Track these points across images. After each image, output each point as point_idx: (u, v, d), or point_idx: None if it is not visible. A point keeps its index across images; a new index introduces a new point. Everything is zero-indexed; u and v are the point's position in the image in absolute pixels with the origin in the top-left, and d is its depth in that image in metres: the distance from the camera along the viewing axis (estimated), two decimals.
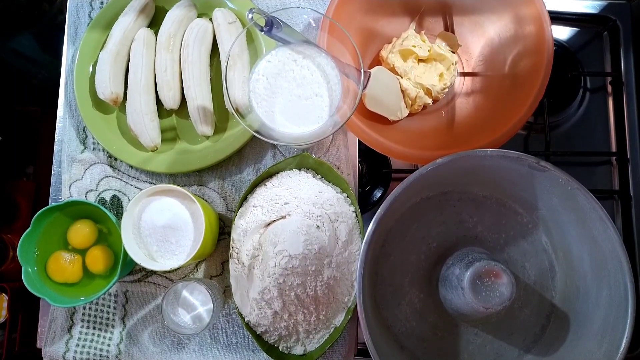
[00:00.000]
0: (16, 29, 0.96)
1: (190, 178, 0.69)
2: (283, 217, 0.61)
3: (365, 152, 0.74)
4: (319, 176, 0.65)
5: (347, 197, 0.64)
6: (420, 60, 0.70)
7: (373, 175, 0.79)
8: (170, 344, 0.66)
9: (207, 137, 0.68)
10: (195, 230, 0.60)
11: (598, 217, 0.52)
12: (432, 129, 0.71)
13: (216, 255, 0.68)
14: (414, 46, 0.68)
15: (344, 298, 0.61)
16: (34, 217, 0.61)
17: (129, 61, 0.68)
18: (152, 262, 0.59)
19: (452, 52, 0.71)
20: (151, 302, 0.67)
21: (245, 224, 0.62)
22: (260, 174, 0.64)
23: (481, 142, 0.61)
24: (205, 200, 0.68)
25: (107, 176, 0.69)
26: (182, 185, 0.66)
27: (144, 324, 0.67)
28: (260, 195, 0.62)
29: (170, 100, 0.67)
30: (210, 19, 0.69)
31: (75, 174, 0.69)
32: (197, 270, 0.68)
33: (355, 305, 0.60)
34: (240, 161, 0.69)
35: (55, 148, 0.71)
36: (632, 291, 0.51)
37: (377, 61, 0.72)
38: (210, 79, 0.69)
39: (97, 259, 0.63)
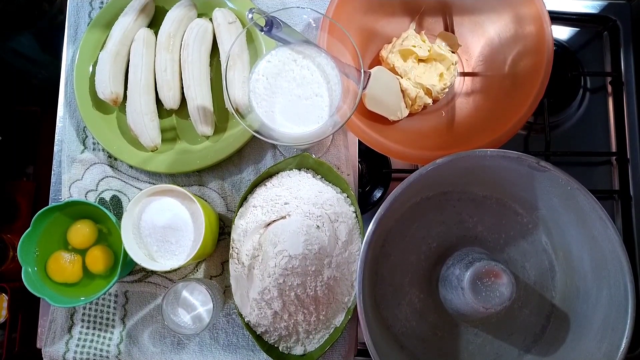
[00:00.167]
0: (16, 29, 0.95)
1: (190, 178, 0.69)
2: (283, 217, 0.60)
3: (365, 152, 0.74)
4: (319, 176, 0.65)
5: (347, 197, 0.64)
6: (420, 60, 0.70)
7: (373, 175, 0.78)
8: (170, 344, 0.66)
9: (207, 137, 0.68)
10: (195, 231, 0.60)
11: (598, 217, 0.52)
12: (432, 129, 0.71)
13: (216, 256, 0.68)
14: (414, 46, 0.68)
15: (344, 298, 0.61)
16: (34, 217, 0.61)
17: (129, 61, 0.68)
18: (152, 262, 0.59)
19: (452, 52, 0.71)
20: (151, 303, 0.67)
21: (245, 224, 0.61)
22: (260, 174, 0.64)
23: (481, 142, 0.61)
24: (205, 201, 0.68)
25: (107, 176, 0.69)
26: (182, 185, 0.66)
27: (144, 324, 0.67)
28: (260, 195, 0.62)
29: (170, 100, 0.67)
30: (210, 19, 0.69)
31: (75, 174, 0.69)
32: (197, 270, 0.68)
33: (355, 305, 0.60)
34: (240, 161, 0.69)
35: (55, 148, 0.71)
36: (632, 291, 0.51)
37: (377, 61, 0.72)
38: (210, 79, 0.69)
39: (97, 259, 0.63)
